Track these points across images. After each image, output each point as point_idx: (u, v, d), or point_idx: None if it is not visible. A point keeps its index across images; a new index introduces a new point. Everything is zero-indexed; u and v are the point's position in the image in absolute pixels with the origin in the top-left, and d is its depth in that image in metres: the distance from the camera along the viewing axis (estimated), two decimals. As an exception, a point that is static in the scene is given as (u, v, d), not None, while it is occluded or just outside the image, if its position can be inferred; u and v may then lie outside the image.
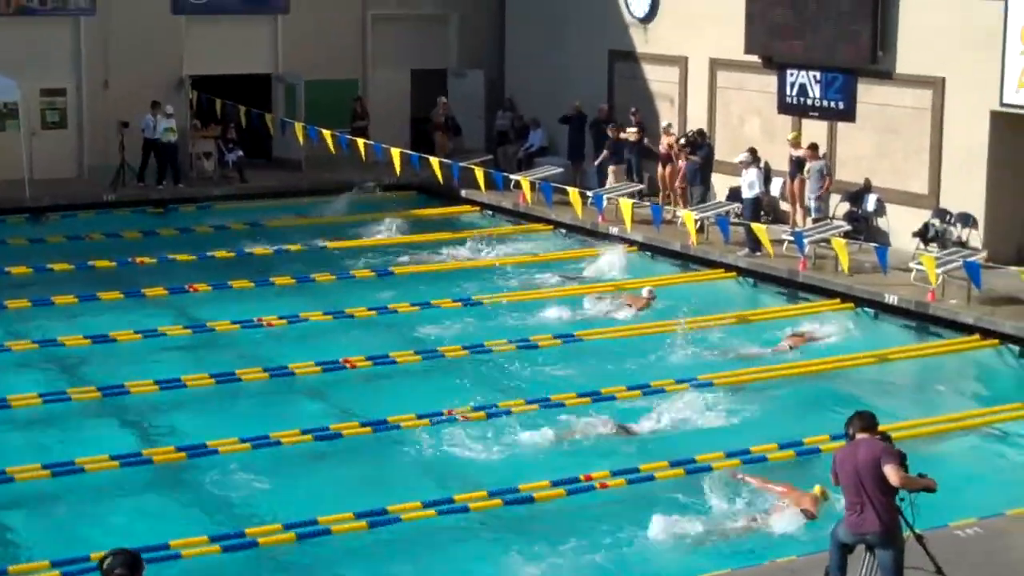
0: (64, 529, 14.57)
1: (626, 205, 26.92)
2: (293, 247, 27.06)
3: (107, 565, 8.85)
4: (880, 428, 11.58)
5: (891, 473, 10.90)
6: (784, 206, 27.82)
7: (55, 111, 32.78)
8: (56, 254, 26.57)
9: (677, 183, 28.86)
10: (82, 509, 15.11)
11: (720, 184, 28.80)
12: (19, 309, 22.66)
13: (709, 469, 15.88)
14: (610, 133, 30.36)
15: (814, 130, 27.45)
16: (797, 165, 27.01)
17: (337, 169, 33.20)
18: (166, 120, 31.74)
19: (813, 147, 26.49)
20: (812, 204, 26.19)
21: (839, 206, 26.32)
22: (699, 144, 28.31)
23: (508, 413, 17.74)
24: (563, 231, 29.18)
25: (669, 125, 29.66)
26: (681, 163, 28.62)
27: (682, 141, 28.98)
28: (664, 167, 29.43)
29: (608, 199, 28.20)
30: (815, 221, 25.90)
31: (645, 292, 23.24)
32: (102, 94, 32.79)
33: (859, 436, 11.24)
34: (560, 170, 31.11)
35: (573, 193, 27.60)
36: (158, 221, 30.23)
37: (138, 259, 25.97)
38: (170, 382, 18.88)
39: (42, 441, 17.07)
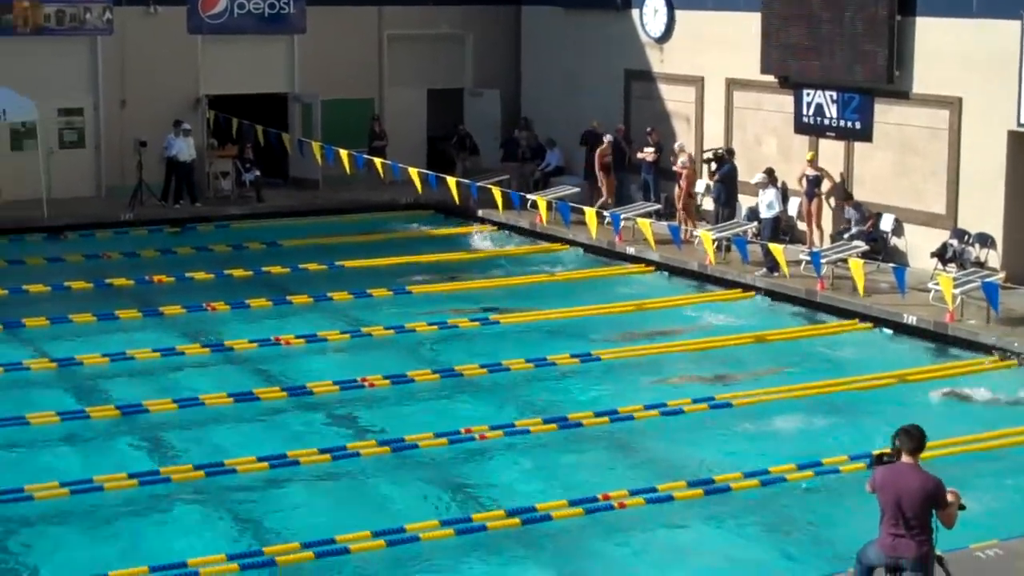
0: (82, 548, 14.55)
1: (645, 224, 26.93)
2: (310, 266, 27.08)
3: None
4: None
5: (947, 519, 10.84)
6: (801, 226, 27.78)
7: (73, 131, 32.88)
8: (74, 273, 26.62)
9: (679, 205, 28.84)
10: (100, 527, 15.10)
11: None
12: (37, 327, 22.70)
13: (728, 489, 15.85)
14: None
15: (831, 150, 27.43)
16: (813, 184, 27.00)
17: (354, 189, 33.32)
18: (184, 138, 31.86)
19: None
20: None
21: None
22: (724, 161, 28.31)
23: (527, 432, 17.73)
24: (581, 250, 29.19)
25: (682, 145, 29.65)
26: (683, 183, 28.59)
27: (707, 156, 29.03)
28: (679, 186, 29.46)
29: (625, 219, 28.20)
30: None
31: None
32: (119, 113, 32.89)
33: (905, 459, 11.04)
34: (577, 190, 31.14)
35: (590, 213, 27.63)
36: (175, 240, 30.28)
37: (156, 278, 26.02)
38: (188, 400, 18.89)
39: (60, 459, 17.07)
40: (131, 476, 16.08)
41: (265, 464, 16.53)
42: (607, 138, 30.65)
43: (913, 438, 11.02)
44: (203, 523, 15.30)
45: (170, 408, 18.69)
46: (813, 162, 27.12)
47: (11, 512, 15.22)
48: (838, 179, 27.06)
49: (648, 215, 28.33)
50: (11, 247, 29.23)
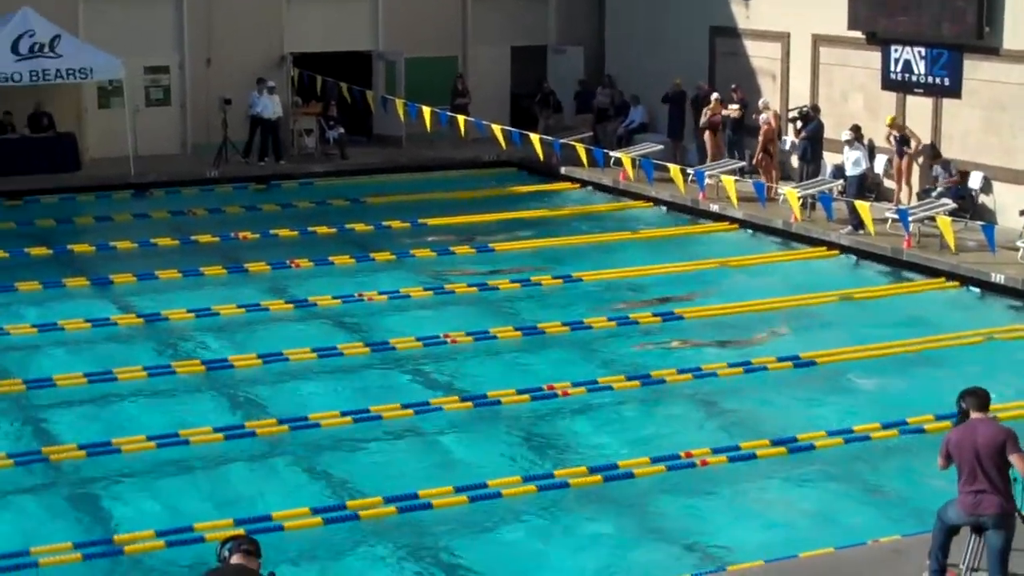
0: (169, 500, 14.73)
1: (729, 182, 26.75)
2: (393, 223, 27.14)
3: (227, 549, 9.01)
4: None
5: (1020, 462, 10.74)
6: (888, 184, 27.46)
7: (159, 88, 33.13)
8: (160, 230, 26.89)
9: (755, 161, 28.58)
10: (186, 481, 15.28)
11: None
12: (124, 284, 22.96)
13: (812, 448, 15.75)
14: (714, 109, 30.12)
15: (918, 107, 27.05)
16: (901, 142, 26.66)
17: (437, 146, 33.35)
18: (269, 96, 32.00)
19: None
20: None
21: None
22: (810, 119, 28.02)
23: (609, 389, 17.71)
24: (663, 208, 29.06)
25: (767, 102, 29.35)
26: (761, 138, 28.33)
27: (792, 115, 28.76)
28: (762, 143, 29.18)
29: (709, 176, 28.02)
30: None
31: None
32: (205, 71, 33.08)
33: (974, 415, 11.04)
34: (660, 147, 30.96)
35: (674, 170, 27.50)
36: (260, 197, 30.47)
37: (240, 234, 26.20)
38: (272, 356, 19.03)
39: (147, 413, 17.27)
40: (216, 430, 16.25)
41: (348, 419, 16.63)
42: (714, 96, 30.20)
43: (979, 396, 11.15)
44: (287, 477, 15.42)
45: (255, 363, 18.84)
46: (894, 125, 26.70)
47: (100, 465, 15.43)
48: (924, 140, 26.67)
49: (732, 172, 28.12)
50: (99, 204, 29.55)
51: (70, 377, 18.09)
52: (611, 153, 29.70)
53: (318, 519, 13.89)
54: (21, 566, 12.75)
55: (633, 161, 28.94)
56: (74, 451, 15.66)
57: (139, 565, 13.17)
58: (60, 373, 18.25)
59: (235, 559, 9.08)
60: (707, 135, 30.10)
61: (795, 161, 28.90)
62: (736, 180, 26.98)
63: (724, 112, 30.13)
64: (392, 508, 14.15)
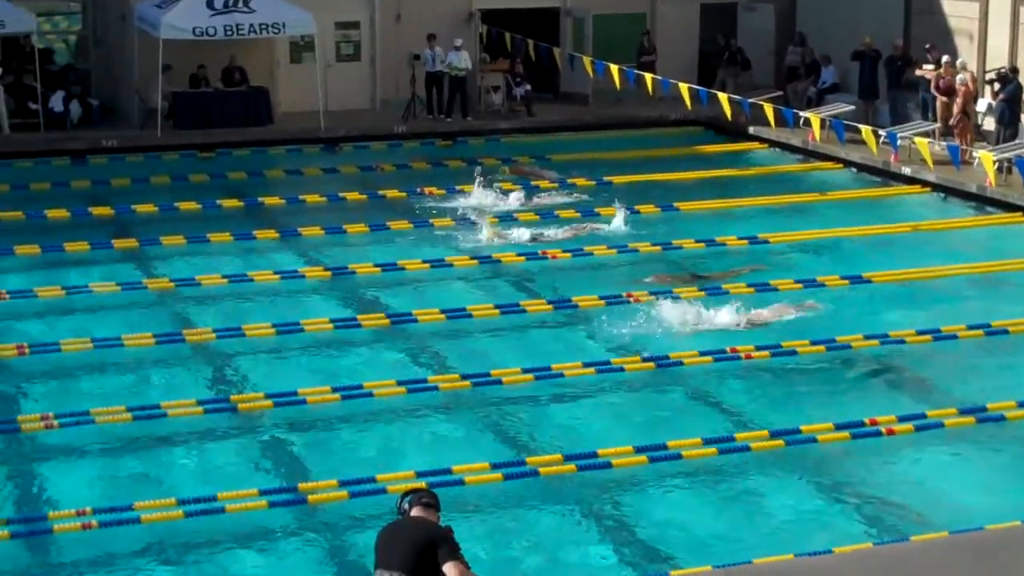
0: (352, 451, 14.93)
1: (922, 144, 26.14)
2: (578, 180, 27.09)
3: (407, 502, 9.10)
4: None
5: None
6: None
7: (349, 44, 33.48)
8: (348, 184, 27.21)
9: (952, 120, 27.79)
10: (369, 433, 15.46)
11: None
12: (312, 236, 23.30)
13: (1002, 418, 15.33)
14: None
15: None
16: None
17: (623, 104, 33.19)
18: (456, 53, 32.11)
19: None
20: None
21: None
22: (1008, 80, 27.21)
23: (794, 353, 17.45)
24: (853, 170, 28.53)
25: (964, 63, 28.55)
26: (959, 100, 27.53)
27: (990, 76, 27.96)
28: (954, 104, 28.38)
29: (902, 138, 27.41)
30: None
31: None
32: (394, 27, 33.32)
33: None
34: (852, 108, 30.34)
35: (866, 131, 26.96)
36: (446, 153, 30.65)
37: (426, 190, 26.38)
38: (456, 311, 19.13)
39: (332, 365, 17.52)
40: (400, 383, 16.41)
41: (531, 376, 16.65)
42: (945, 59, 29.01)
43: None
44: (468, 432, 15.51)
45: (439, 318, 18.96)
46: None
47: (286, 415, 15.69)
48: None
49: (926, 134, 27.45)
50: (289, 158, 30.05)
51: (258, 328, 18.43)
52: (800, 113, 29.22)
53: (499, 474, 13.95)
54: (209, 511, 13.04)
55: (823, 122, 28.44)
56: (261, 400, 15.96)
57: (321, 514, 13.37)
58: (249, 324, 18.60)
59: (415, 512, 9.16)
60: (939, 101, 28.97)
61: (991, 123, 28.09)
62: (929, 143, 26.34)
63: (919, 72, 29.39)
64: (572, 466, 14.15)
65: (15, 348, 17.59)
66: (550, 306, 19.56)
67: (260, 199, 25.90)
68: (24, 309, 19.54)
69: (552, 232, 23.40)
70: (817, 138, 29.09)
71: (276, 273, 20.98)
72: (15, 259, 21.94)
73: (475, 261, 21.87)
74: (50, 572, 12.35)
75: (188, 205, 25.26)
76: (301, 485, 13.77)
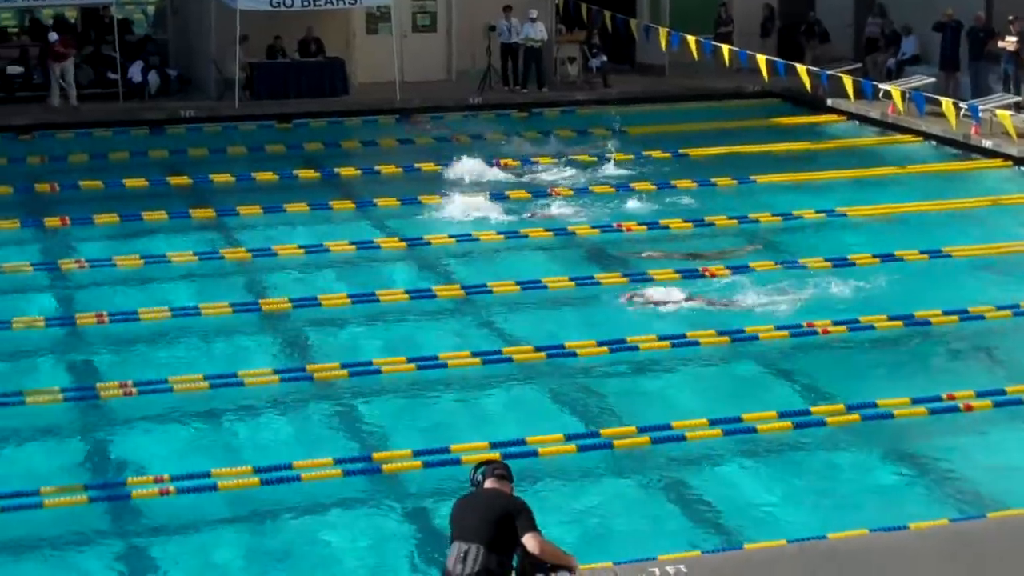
0: (425, 421, 14.96)
1: (1005, 116, 25.78)
2: (654, 153, 26.97)
3: (480, 473, 9.14)
4: None
5: None
6: None
7: (425, 15, 33.50)
8: (423, 155, 27.24)
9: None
10: (443, 403, 15.49)
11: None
12: (387, 207, 23.36)
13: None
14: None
15: None
16: None
17: (700, 76, 33.01)
18: (531, 25, 32.04)
19: None
20: None
21: None
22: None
23: (871, 328, 17.29)
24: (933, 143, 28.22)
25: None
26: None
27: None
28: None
29: (983, 110, 27.04)
30: None
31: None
32: (471, -2, 33.33)
33: None
34: (932, 80, 29.98)
35: (947, 103, 26.63)
36: (522, 124, 30.61)
37: (502, 161, 26.36)
38: (530, 283, 19.12)
39: (407, 335, 17.56)
40: (474, 354, 16.43)
41: (605, 348, 16.62)
42: None
43: None
44: (543, 403, 15.51)
45: (513, 290, 18.95)
46: None
47: (361, 384, 15.76)
48: None
49: (1008, 107, 27.07)
50: (365, 128, 30.13)
51: (334, 297, 18.52)
52: (880, 85, 28.92)
53: (572, 446, 13.95)
54: (284, 479, 13.13)
55: (903, 94, 28.12)
56: (336, 370, 16.03)
57: (395, 484, 13.42)
58: (325, 293, 18.69)
59: (488, 483, 9.19)
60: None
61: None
62: (1011, 115, 25.97)
63: (1000, 44, 28.98)
64: (645, 438, 14.12)
65: (95, 316, 17.79)
66: (625, 278, 19.49)
67: (336, 169, 26.00)
68: (103, 278, 19.75)
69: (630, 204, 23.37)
70: (899, 110, 28.76)
71: (352, 243, 21.06)
72: (94, 228, 22.16)
73: (549, 233, 21.83)
74: (128, 537, 12.49)
75: (264, 175, 25.42)
76: (375, 455, 13.83)
